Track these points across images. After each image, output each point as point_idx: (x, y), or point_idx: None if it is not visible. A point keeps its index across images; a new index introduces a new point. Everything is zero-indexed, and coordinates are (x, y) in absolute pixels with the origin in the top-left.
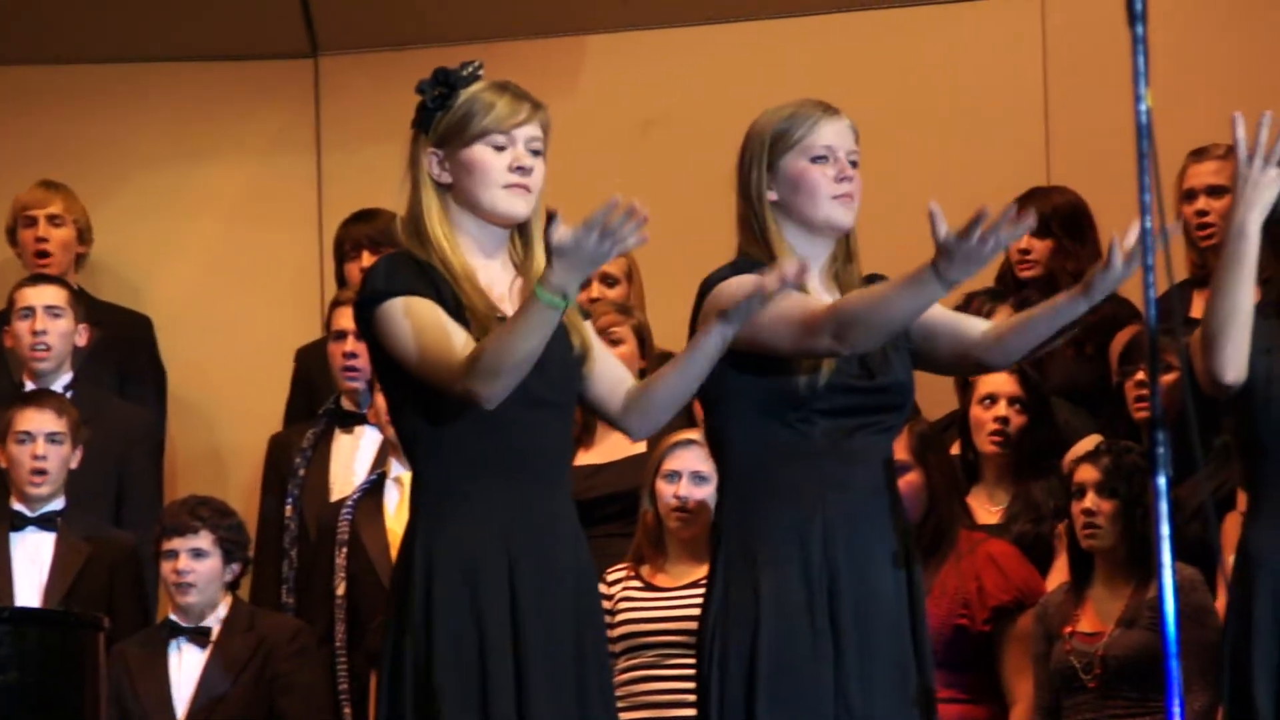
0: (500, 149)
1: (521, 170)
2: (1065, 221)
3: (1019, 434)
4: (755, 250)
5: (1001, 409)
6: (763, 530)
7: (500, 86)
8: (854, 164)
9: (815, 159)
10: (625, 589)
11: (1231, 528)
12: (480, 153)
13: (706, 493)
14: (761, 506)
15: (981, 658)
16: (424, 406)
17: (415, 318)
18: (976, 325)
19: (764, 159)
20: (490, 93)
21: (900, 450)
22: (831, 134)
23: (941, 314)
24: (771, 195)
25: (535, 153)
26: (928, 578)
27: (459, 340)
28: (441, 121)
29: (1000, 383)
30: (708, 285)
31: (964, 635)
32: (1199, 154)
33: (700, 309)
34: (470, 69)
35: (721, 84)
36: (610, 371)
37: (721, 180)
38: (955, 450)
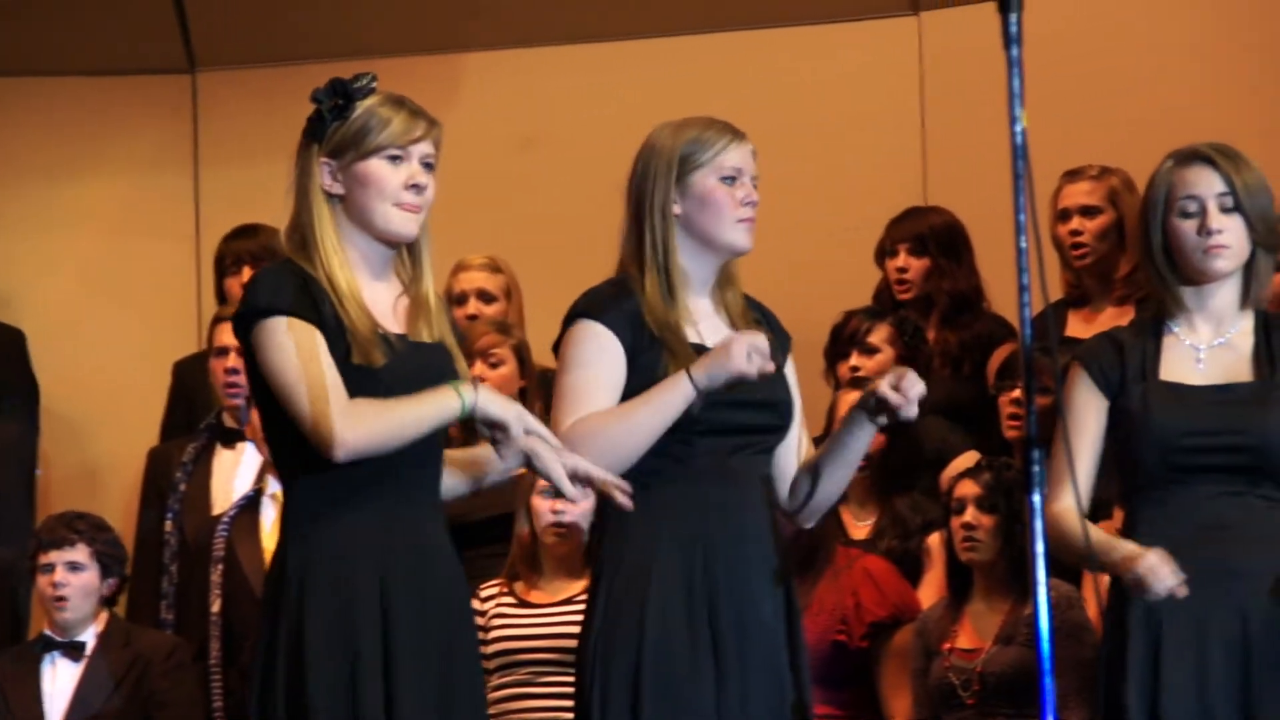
0: (396, 162)
1: (416, 188)
2: (942, 242)
3: (879, 453)
4: (637, 268)
5: None
6: (645, 549)
7: (397, 101)
8: (755, 186)
9: (725, 179)
10: (499, 605)
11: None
12: (377, 167)
13: (584, 508)
14: (643, 526)
15: (859, 673)
16: (289, 423)
17: (295, 342)
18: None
19: (672, 173)
20: (387, 107)
21: None
22: (740, 156)
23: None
24: (676, 210)
25: (428, 167)
26: (805, 594)
27: (330, 379)
28: (337, 132)
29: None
30: (573, 308)
31: (841, 651)
32: (1073, 174)
33: (562, 333)
34: (364, 81)
35: (601, 102)
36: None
37: (602, 197)
38: None
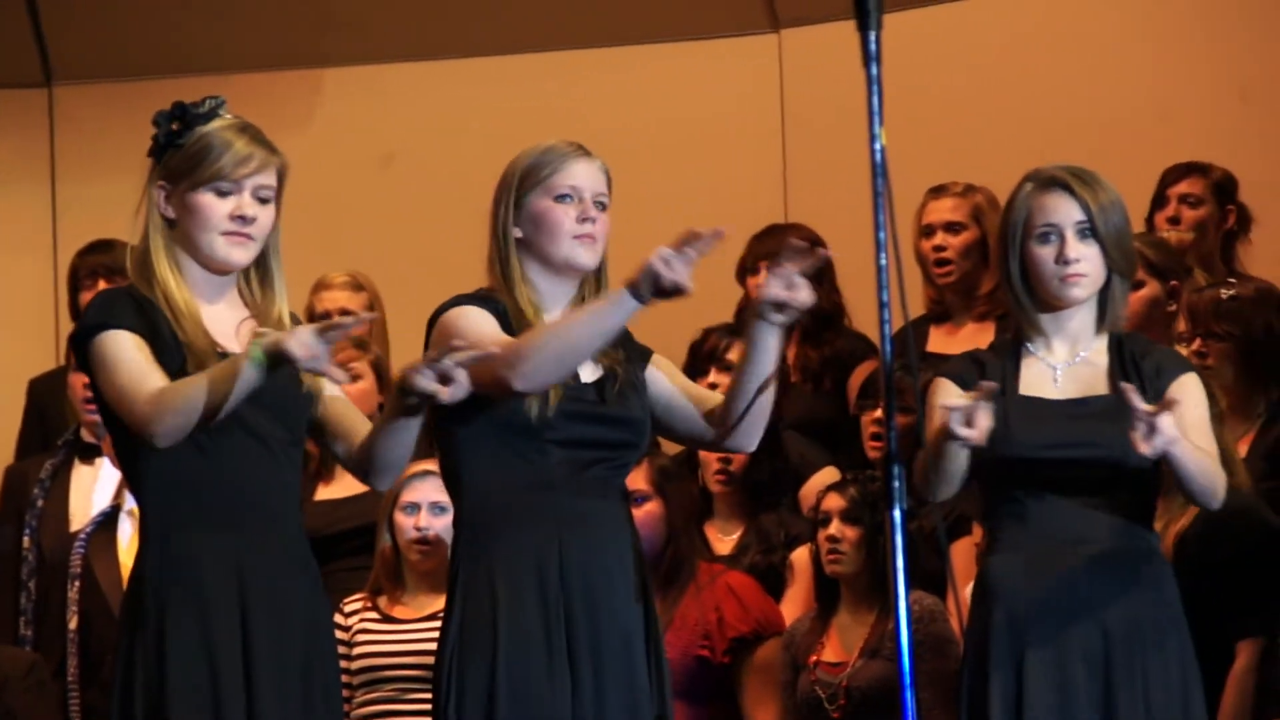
0: (224, 195)
1: (242, 219)
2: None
3: (743, 470)
4: (500, 290)
5: None
6: (500, 562)
7: (239, 129)
8: (602, 206)
9: (559, 198)
10: (363, 621)
11: (960, 555)
12: (203, 199)
13: (446, 523)
14: (499, 539)
15: (721, 689)
16: (135, 440)
17: (118, 351)
18: (708, 406)
19: (512, 195)
20: (225, 135)
21: (640, 481)
22: (579, 174)
23: (680, 392)
24: (517, 233)
25: (263, 200)
26: (668, 609)
27: (154, 378)
28: (173, 158)
29: None
30: (437, 315)
31: (704, 666)
32: (937, 191)
33: (427, 336)
34: (210, 105)
35: (461, 118)
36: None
37: (462, 214)
38: None
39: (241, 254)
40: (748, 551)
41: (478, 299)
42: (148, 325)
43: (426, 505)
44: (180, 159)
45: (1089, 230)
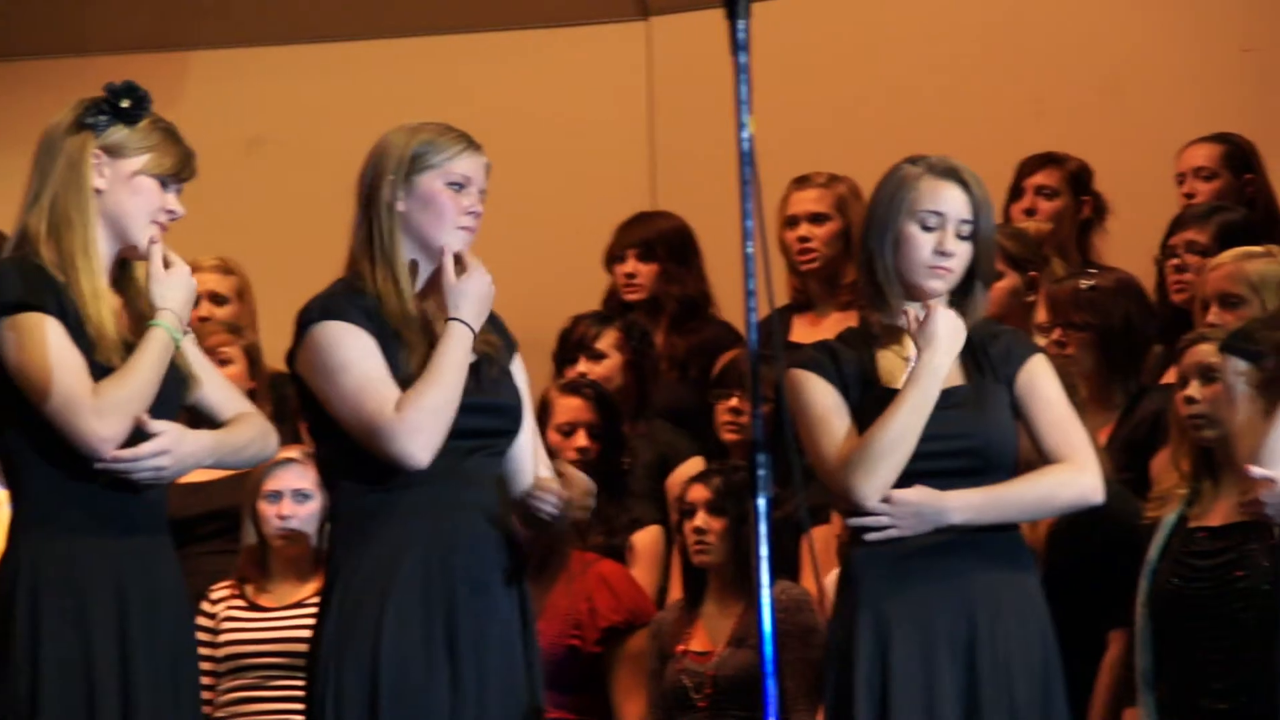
0: (165, 188)
1: (171, 214)
2: (670, 247)
3: (597, 458)
4: (367, 263)
5: (581, 439)
6: (381, 553)
7: (173, 134)
8: (482, 199)
9: (451, 184)
10: (229, 609)
11: (820, 543)
12: (148, 183)
13: (310, 510)
14: (378, 529)
15: (592, 678)
16: (26, 424)
17: (47, 341)
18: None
19: (402, 171)
20: (168, 134)
21: None
22: (473, 166)
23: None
24: (400, 207)
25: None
26: (539, 598)
27: (89, 379)
28: (118, 133)
29: (577, 410)
30: (306, 314)
31: (575, 655)
32: (802, 181)
33: (299, 340)
34: (146, 96)
35: (328, 103)
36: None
37: (329, 198)
38: None
39: (150, 249)
40: (590, 532)
41: (345, 301)
42: (59, 307)
43: (289, 493)
44: (128, 138)
45: (969, 231)
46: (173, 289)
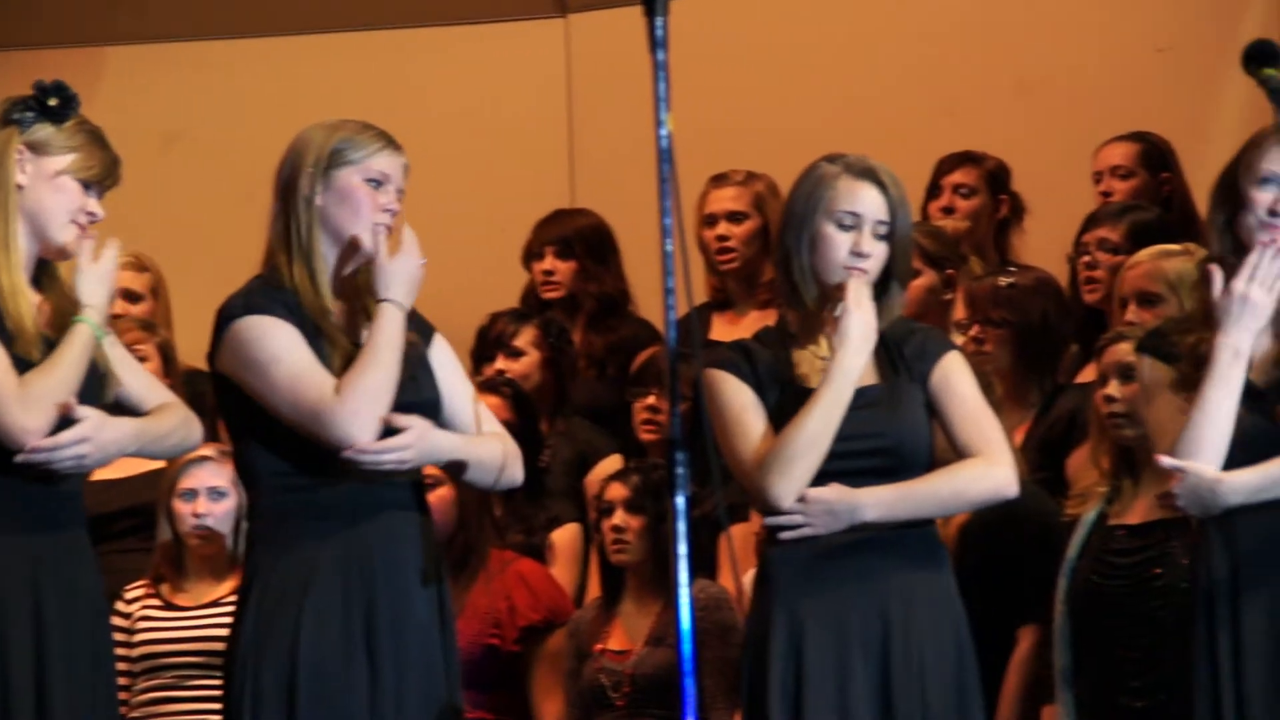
0: (88, 190)
1: (92, 216)
2: (588, 244)
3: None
4: (284, 258)
5: None
6: (299, 553)
7: (99, 137)
8: (400, 198)
9: (369, 180)
10: (144, 608)
11: (739, 541)
12: (72, 184)
13: (225, 508)
14: (295, 528)
15: (510, 677)
16: None
17: None
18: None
19: (320, 165)
20: (94, 138)
21: (431, 466)
22: (390, 164)
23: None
24: (318, 201)
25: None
26: (458, 596)
27: (12, 373)
28: (43, 131)
29: (495, 408)
30: (227, 310)
31: (494, 654)
32: (719, 179)
33: (220, 337)
34: (74, 96)
35: (245, 99)
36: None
37: (245, 195)
38: None
39: (77, 247)
40: (508, 530)
41: (265, 296)
42: None
43: (205, 491)
44: (58, 138)
45: (886, 231)
46: (98, 286)
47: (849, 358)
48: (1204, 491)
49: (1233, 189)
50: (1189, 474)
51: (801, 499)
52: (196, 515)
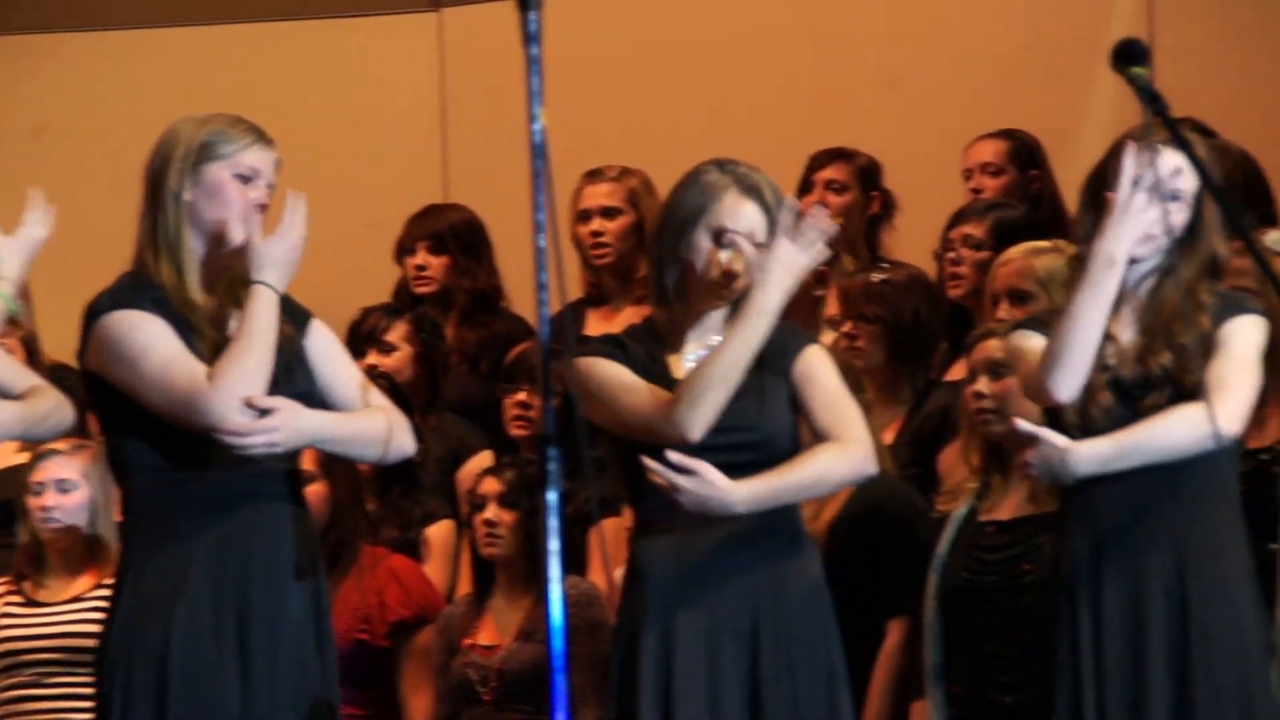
0: None
1: None
2: (461, 240)
3: None
4: (152, 254)
5: None
6: (173, 547)
7: None
8: (270, 193)
9: (239, 176)
10: (6, 605)
11: (610, 536)
12: None
13: (75, 501)
14: (169, 522)
15: (381, 673)
16: None
17: None
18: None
19: (190, 160)
20: None
21: (307, 461)
22: (261, 159)
23: (329, 378)
24: (187, 196)
25: None
26: (330, 591)
27: None
28: None
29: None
30: (95, 306)
31: (364, 650)
32: (594, 175)
33: (89, 334)
34: None
35: (115, 91)
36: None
37: (117, 188)
38: None
39: None
40: (384, 525)
41: (134, 292)
42: None
43: (52, 484)
44: None
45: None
46: (12, 257)
47: (768, 294)
48: (1055, 461)
49: (1102, 189)
50: (1041, 442)
51: (692, 472)
52: (44, 509)
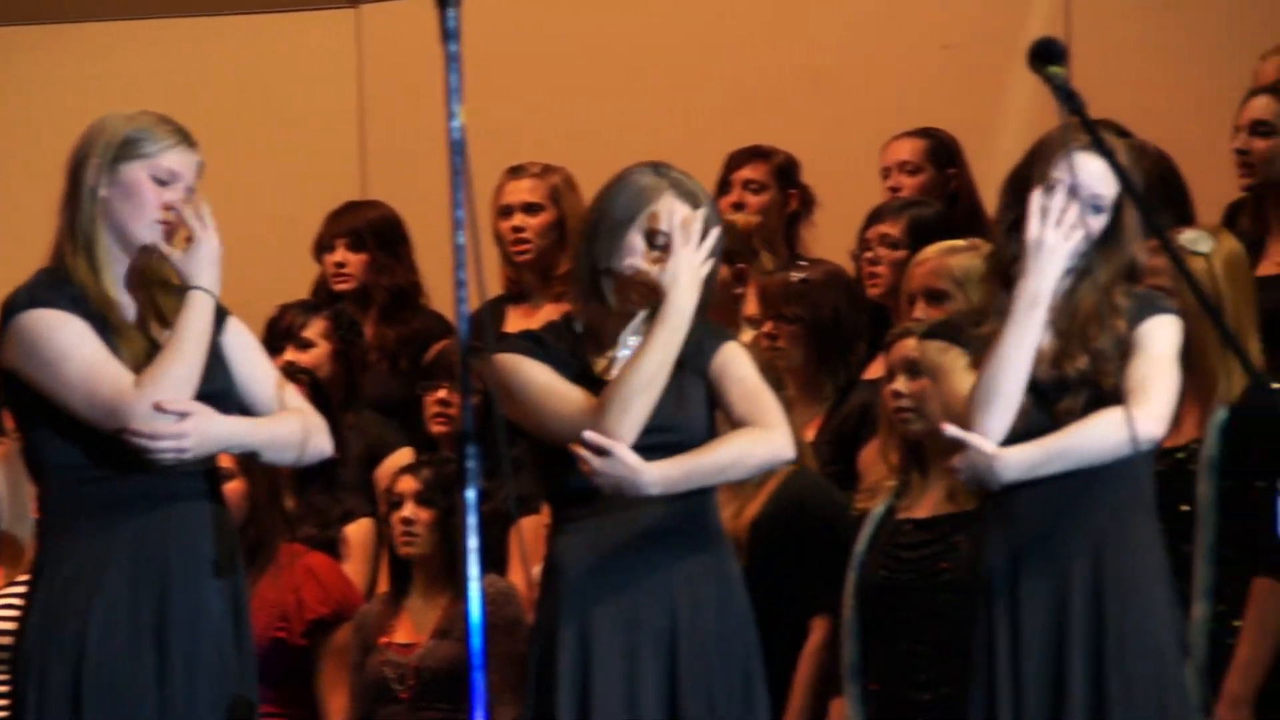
0: None
1: None
2: (380, 236)
3: None
4: (70, 250)
5: None
6: (90, 545)
7: None
8: (190, 196)
9: (156, 178)
10: None
11: (529, 534)
12: None
13: None
14: (86, 520)
15: (298, 671)
16: None
17: None
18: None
19: (109, 156)
20: None
21: (224, 459)
22: (182, 162)
23: (242, 366)
24: (103, 193)
25: None
26: (247, 589)
27: None
28: None
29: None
30: (12, 304)
31: (282, 648)
32: (516, 171)
33: (5, 331)
34: None
35: (30, 87)
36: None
37: (29, 185)
38: None
39: None
40: (301, 524)
41: (51, 289)
42: None
43: None
44: None
45: None
46: None
47: (682, 295)
48: (982, 466)
49: (1022, 189)
50: (969, 447)
51: (606, 452)
52: None
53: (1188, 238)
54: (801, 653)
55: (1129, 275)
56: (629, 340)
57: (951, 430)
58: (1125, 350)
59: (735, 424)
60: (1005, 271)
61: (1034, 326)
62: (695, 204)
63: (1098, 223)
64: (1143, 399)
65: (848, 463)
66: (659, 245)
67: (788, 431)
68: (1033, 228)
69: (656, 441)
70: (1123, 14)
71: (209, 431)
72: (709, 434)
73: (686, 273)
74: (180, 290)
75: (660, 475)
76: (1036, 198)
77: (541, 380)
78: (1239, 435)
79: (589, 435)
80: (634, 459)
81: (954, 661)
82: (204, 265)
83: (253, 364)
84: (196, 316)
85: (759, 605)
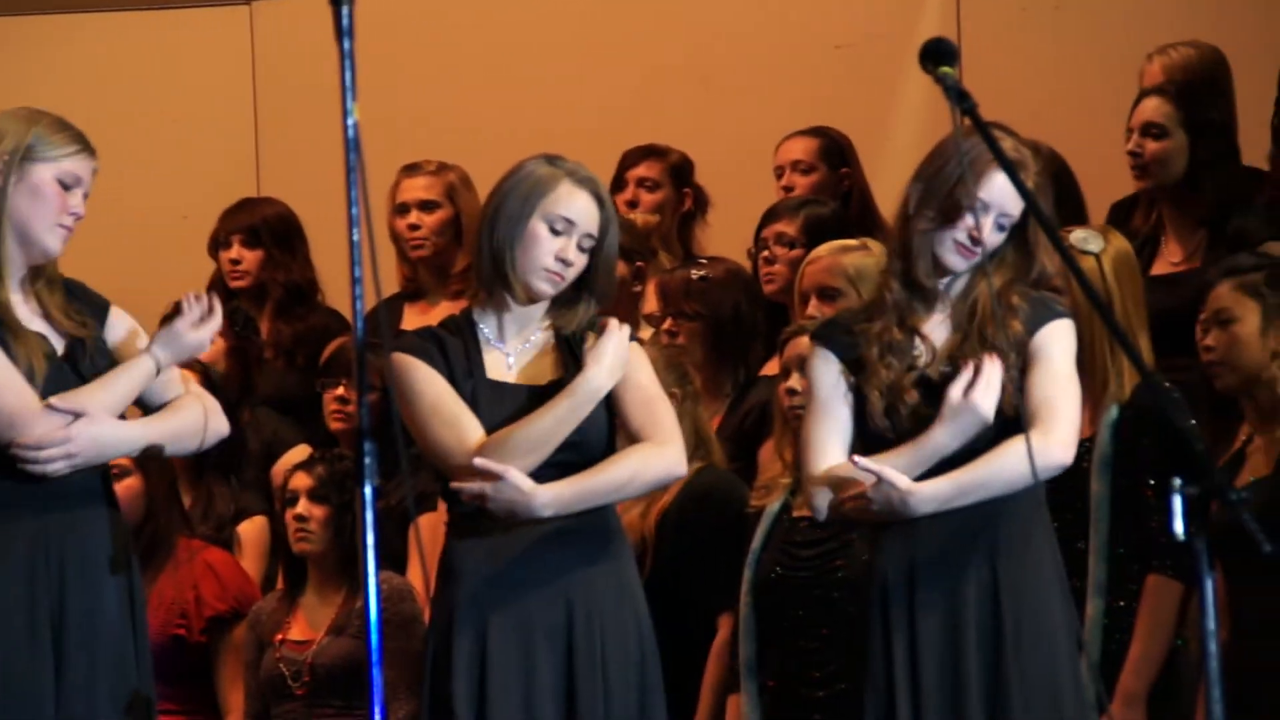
0: None
1: None
2: (275, 233)
3: None
4: None
5: None
6: None
7: None
8: (84, 200)
9: (61, 181)
10: None
11: (426, 532)
12: None
13: None
14: None
15: (197, 668)
16: None
17: None
18: None
19: (18, 156)
20: None
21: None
22: (83, 168)
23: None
24: (10, 190)
25: None
26: (145, 587)
27: None
28: None
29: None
30: None
31: (180, 645)
32: (411, 169)
33: None
34: None
35: None
36: None
37: None
38: None
39: None
40: (201, 523)
41: None
42: None
43: None
44: None
45: (593, 246)
46: None
47: (600, 376)
48: (895, 501)
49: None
50: (882, 481)
51: (496, 476)
52: None
53: (1077, 237)
54: (711, 648)
55: (1035, 283)
56: (532, 335)
57: (865, 463)
58: (1023, 355)
59: (630, 433)
60: (904, 271)
61: (923, 465)
62: (592, 190)
63: (998, 238)
64: (1051, 424)
65: (749, 459)
66: (559, 231)
67: (681, 447)
68: (956, 389)
69: (553, 459)
70: (1012, 14)
71: (101, 438)
72: (607, 442)
73: (611, 356)
74: (74, 294)
75: (553, 497)
76: (966, 370)
77: (430, 398)
78: (1130, 433)
79: (480, 462)
80: (527, 483)
81: (849, 659)
82: (176, 344)
83: (135, 353)
84: (131, 376)
85: (668, 600)
